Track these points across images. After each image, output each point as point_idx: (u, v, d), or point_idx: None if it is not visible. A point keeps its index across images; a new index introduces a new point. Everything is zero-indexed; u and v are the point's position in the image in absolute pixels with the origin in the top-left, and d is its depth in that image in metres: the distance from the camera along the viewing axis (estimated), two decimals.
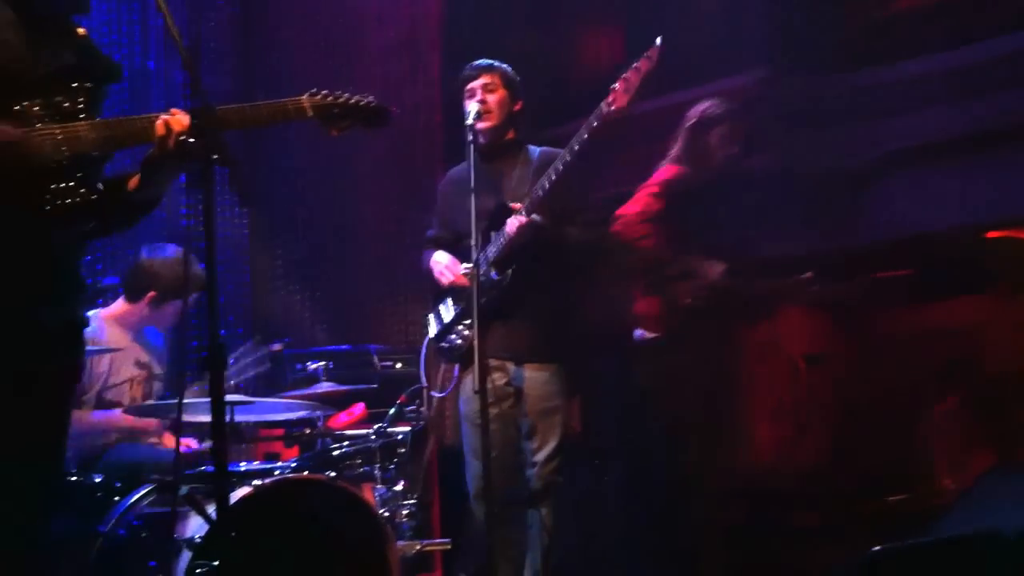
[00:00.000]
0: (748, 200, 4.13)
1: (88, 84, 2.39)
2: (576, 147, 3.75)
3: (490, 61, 4.12)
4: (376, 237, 5.95)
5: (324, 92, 2.57)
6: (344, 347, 5.18)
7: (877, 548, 2.55)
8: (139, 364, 4.15)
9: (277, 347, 4.77)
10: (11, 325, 2.29)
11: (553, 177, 3.79)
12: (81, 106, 2.36)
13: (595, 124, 3.71)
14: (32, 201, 2.27)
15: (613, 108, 3.68)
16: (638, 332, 4.08)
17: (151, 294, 4.17)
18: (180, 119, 2.40)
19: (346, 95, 2.59)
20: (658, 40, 3.65)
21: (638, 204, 4.29)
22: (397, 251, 5.93)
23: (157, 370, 4.22)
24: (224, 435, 2.42)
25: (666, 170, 4.41)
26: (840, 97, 4.66)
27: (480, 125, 4.00)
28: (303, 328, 5.59)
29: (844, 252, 4.60)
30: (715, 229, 4.13)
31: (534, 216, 3.86)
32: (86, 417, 3.92)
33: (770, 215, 4.16)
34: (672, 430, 4.25)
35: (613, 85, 3.70)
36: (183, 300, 4.18)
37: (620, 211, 4.27)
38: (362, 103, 2.60)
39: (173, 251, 4.21)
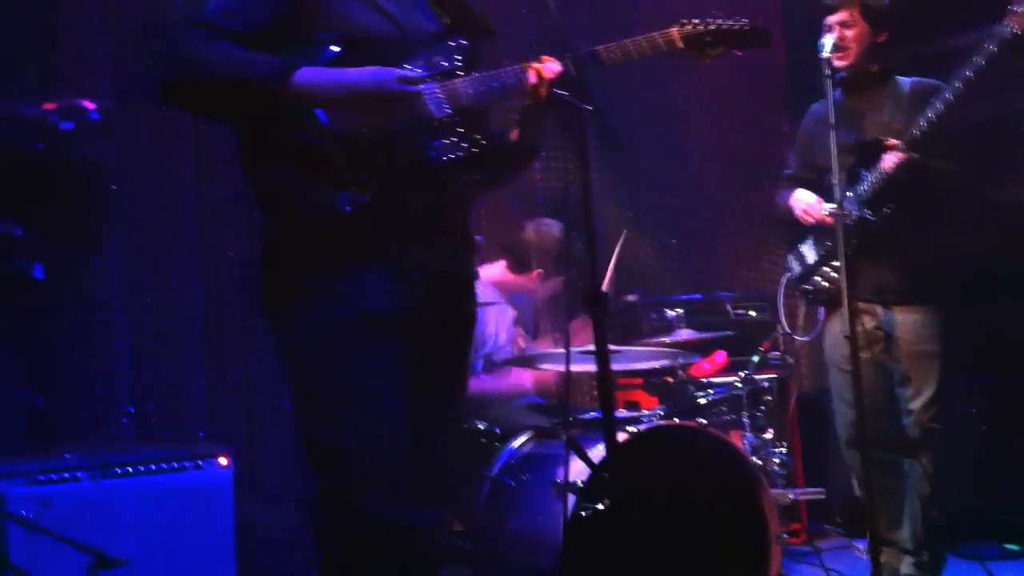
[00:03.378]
0: None
1: (464, 42, 2.46)
2: (969, 75, 3.49)
3: None
4: (721, 182, 5.87)
5: (695, 21, 2.49)
6: (695, 296, 5.17)
7: None
8: (516, 322, 4.34)
9: (632, 298, 4.84)
10: (425, 275, 2.41)
11: (940, 108, 3.56)
12: (459, 63, 2.43)
13: (991, 49, 3.42)
14: (423, 158, 2.38)
15: (1016, 31, 3.37)
16: None
17: (539, 271, 4.32)
18: (551, 66, 2.41)
19: (718, 21, 2.49)
20: None
21: None
22: (743, 195, 5.83)
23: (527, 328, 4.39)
24: (610, 382, 2.46)
25: None
26: None
27: (837, 62, 3.81)
28: (654, 277, 5.62)
29: None
30: None
31: (913, 153, 3.65)
32: (502, 380, 4.15)
33: None
34: None
35: (1013, 7, 3.38)
36: (564, 277, 4.32)
37: None
38: (736, 27, 2.49)
39: (558, 229, 4.34)
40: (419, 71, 2.40)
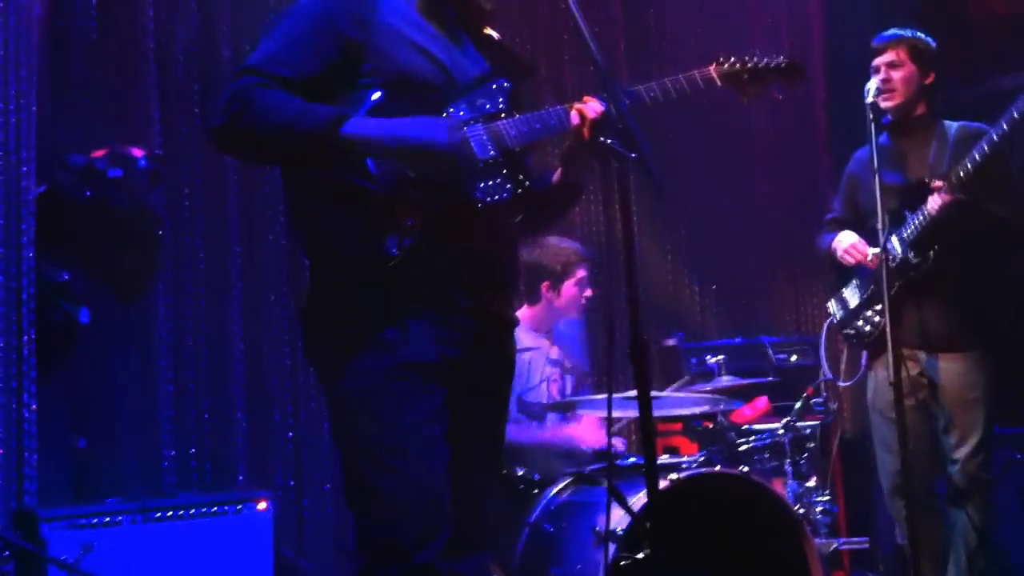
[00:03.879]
0: None
1: (507, 84, 2.47)
2: (1016, 115, 3.46)
3: (898, 32, 3.87)
4: (762, 224, 5.84)
5: (732, 59, 2.51)
6: (736, 340, 5.13)
7: None
8: (551, 362, 4.31)
9: (671, 343, 4.80)
10: (469, 319, 2.41)
11: (986, 150, 3.52)
12: (502, 105, 2.45)
13: None
14: (466, 201, 2.38)
15: None
16: None
17: (544, 284, 4.31)
18: (593, 106, 2.41)
19: (755, 59, 2.52)
20: None
21: None
22: (785, 239, 5.79)
23: (568, 364, 4.35)
24: (652, 429, 2.44)
25: None
26: None
27: (884, 103, 3.80)
28: (693, 321, 5.58)
29: None
30: None
31: (959, 194, 3.61)
32: (541, 433, 4.13)
33: None
34: None
35: None
36: (573, 277, 4.27)
37: None
38: (772, 64, 2.52)
39: (551, 240, 4.33)
40: (463, 114, 2.42)
